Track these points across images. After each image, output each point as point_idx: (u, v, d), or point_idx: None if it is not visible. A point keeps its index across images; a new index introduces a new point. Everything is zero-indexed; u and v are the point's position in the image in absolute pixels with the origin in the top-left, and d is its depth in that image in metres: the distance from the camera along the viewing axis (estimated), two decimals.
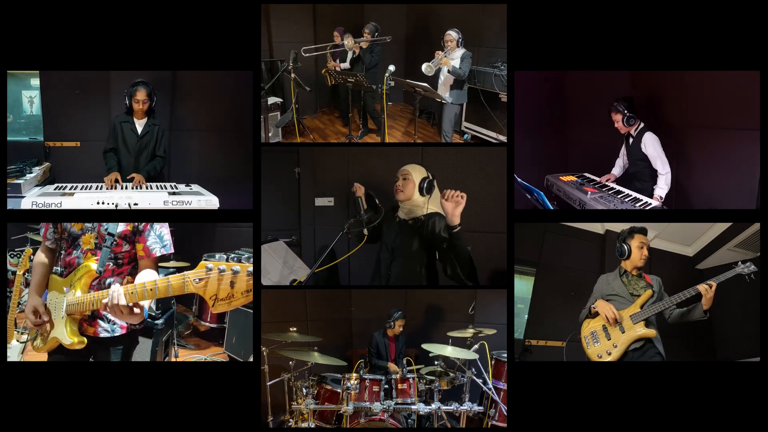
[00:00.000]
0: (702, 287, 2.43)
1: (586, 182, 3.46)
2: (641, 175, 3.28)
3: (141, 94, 3.34)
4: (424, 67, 3.84)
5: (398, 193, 2.76)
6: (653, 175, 3.20)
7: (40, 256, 2.26)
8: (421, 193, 2.73)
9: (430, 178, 2.75)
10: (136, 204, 2.95)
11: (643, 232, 2.64)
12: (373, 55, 4.50)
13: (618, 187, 3.33)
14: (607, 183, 3.43)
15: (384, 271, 2.80)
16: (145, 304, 1.92)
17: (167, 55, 2.65)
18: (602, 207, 3.02)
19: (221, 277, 1.64)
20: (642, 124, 3.24)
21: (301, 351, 3.18)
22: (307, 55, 4.63)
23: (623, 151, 3.43)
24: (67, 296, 2.07)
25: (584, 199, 3.15)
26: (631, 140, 3.30)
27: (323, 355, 3.15)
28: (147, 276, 2.08)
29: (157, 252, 2.14)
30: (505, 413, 3.07)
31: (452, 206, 2.44)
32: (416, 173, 2.76)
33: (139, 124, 3.43)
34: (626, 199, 3.11)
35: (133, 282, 2.15)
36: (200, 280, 1.65)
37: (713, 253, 3.77)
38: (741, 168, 2.86)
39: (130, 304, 1.83)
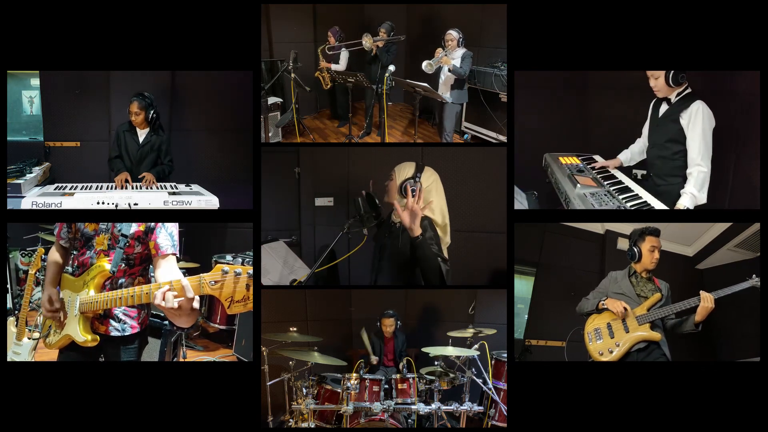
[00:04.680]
0: (704, 295, 2.37)
1: (588, 168, 2.93)
2: (664, 167, 2.46)
3: (133, 106, 3.42)
4: (424, 64, 3.83)
5: (385, 193, 2.62)
6: (683, 168, 2.39)
7: (54, 255, 2.29)
8: (400, 195, 2.52)
9: (413, 179, 2.48)
10: (136, 204, 2.95)
11: (655, 233, 2.56)
12: (390, 54, 4.49)
13: (622, 178, 2.76)
14: (608, 169, 2.85)
15: (374, 273, 2.77)
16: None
17: (167, 55, 2.65)
18: (586, 206, 2.60)
19: (237, 280, 1.66)
20: (689, 88, 2.41)
21: (301, 351, 3.18)
22: (332, 53, 4.63)
23: (646, 127, 2.65)
24: (80, 295, 2.09)
25: (570, 193, 2.64)
26: (664, 108, 2.46)
27: (323, 355, 3.14)
28: (171, 270, 2.09)
29: (168, 250, 2.14)
30: (505, 413, 3.07)
31: (408, 219, 2.33)
32: (401, 173, 2.56)
33: (141, 134, 3.47)
34: (625, 201, 2.62)
35: (143, 282, 2.19)
36: (216, 282, 1.67)
37: (713, 253, 3.77)
38: (741, 168, 2.86)
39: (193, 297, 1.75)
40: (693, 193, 2.40)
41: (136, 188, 3.25)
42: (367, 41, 4.38)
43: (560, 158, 3.03)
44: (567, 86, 3.47)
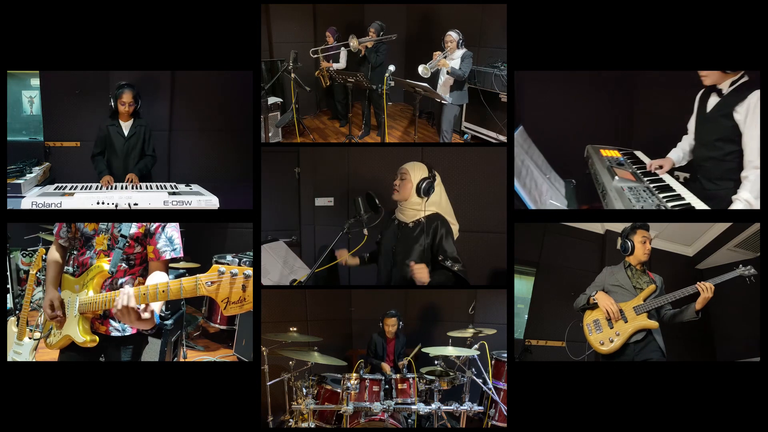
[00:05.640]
0: (700, 286, 2.44)
1: (629, 163, 2.79)
2: (715, 170, 2.12)
3: (127, 96, 3.37)
4: (420, 69, 3.81)
5: (394, 192, 2.69)
6: (737, 171, 2.06)
7: (54, 255, 2.30)
8: (419, 195, 2.64)
9: (430, 178, 2.64)
10: (136, 204, 2.95)
11: (645, 227, 2.65)
12: (379, 55, 4.49)
13: (663, 176, 2.52)
14: (655, 171, 2.57)
15: (385, 277, 2.77)
16: (156, 307, 1.91)
17: (167, 55, 2.65)
18: (623, 200, 2.41)
19: (233, 281, 1.66)
20: (746, 77, 2.06)
21: (301, 351, 3.18)
22: (315, 56, 4.63)
23: (692, 123, 2.29)
24: (80, 295, 2.10)
25: (607, 185, 2.49)
26: (714, 101, 2.08)
27: (323, 355, 3.14)
28: (157, 278, 2.10)
29: (167, 255, 2.15)
30: (505, 413, 3.07)
31: (418, 276, 2.49)
32: (415, 172, 2.67)
33: (125, 126, 3.46)
34: (666, 200, 2.33)
35: (144, 283, 2.18)
36: (212, 283, 1.67)
37: (713, 253, 3.77)
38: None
39: (140, 307, 1.81)
40: (748, 200, 2.08)
41: (136, 188, 3.25)
42: (353, 42, 4.38)
43: (601, 150, 2.95)
44: (617, 81, 3.44)
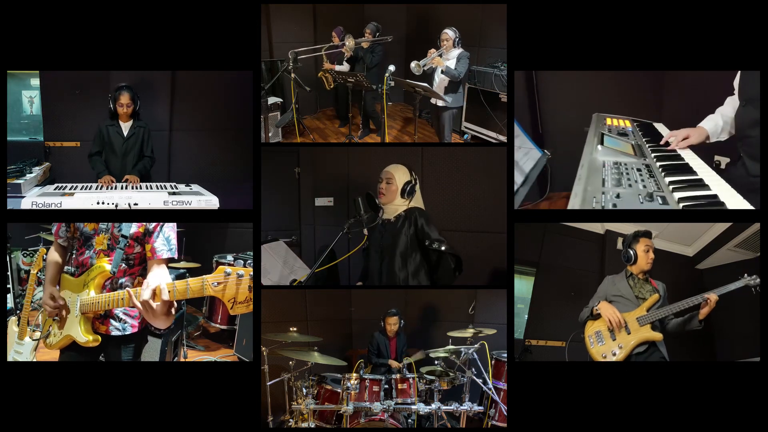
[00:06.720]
0: (708, 296, 2.40)
1: (639, 135, 2.19)
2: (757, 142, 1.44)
3: (125, 98, 3.39)
4: (412, 65, 3.77)
5: (381, 195, 2.82)
6: None
7: (54, 255, 2.30)
8: (402, 196, 2.80)
9: (413, 181, 2.80)
10: (136, 204, 2.95)
11: (647, 235, 2.61)
12: (374, 55, 4.49)
13: (685, 155, 1.78)
14: (673, 144, 1.87)
15: (376, 274, 2.81)
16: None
17: (167, 55, 2.65)
18: (593, 178, 1.79)
19: (239, 281, 1.69)
20: None
21: (301, 351, 3.18)
22: (302, 57, 4.62)
23: (737, 79, 1.69)
24: (81, 295, 2.10)
25: (586, 157, 1.92)
26: None
27: (323, 355, 3.15)
28: (160, 275, 2.11)
29: (164, 254, 2.16)
30: (505, 413, 3.07)
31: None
32: (399, 176, 2.81)
33: (125, 127, 3.46)
34: (673, 188, 1.64)
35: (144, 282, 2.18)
36: (219, 284, 1.70)
37: (713, 253, 3.77)
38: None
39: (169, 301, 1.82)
40: None
41: (136, 188, 3.25)
42: (349, 42, 4.38)
43: (608, 119, 2.40)
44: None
